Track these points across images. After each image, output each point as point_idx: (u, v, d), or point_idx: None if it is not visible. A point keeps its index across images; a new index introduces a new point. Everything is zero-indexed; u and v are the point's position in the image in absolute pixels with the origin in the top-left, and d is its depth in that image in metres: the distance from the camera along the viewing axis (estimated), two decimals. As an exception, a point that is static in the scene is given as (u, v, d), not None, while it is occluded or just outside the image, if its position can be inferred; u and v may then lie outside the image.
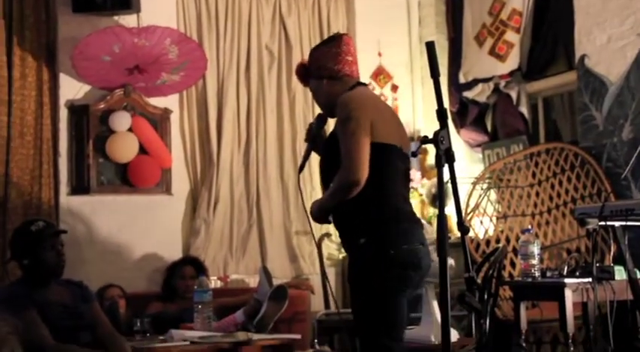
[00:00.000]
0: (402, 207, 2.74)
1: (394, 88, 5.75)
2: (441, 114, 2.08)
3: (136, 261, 4.83)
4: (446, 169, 2.06)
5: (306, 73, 2.93)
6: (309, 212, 2.83)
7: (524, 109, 5.12)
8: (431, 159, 5.58)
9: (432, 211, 5.40)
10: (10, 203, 4.56)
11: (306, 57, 5.59)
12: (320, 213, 2.80)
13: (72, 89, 4.80)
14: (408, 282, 2.67)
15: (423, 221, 5.27)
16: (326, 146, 2.85)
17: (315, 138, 2.94)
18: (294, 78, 3.18)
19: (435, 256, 2.89)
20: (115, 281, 4.32)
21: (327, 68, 2.83)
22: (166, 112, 5.01)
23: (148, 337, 3.52)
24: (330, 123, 2.91)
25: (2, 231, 4.50)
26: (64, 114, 4.79)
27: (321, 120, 2.95)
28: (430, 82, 2.12)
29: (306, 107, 5.45)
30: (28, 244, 3.07)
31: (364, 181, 2.60)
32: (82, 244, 4.64)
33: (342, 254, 5.23)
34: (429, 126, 5.66)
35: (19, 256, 3.11)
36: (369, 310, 2.68)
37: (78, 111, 4.78)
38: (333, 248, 5.30)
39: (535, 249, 3.50)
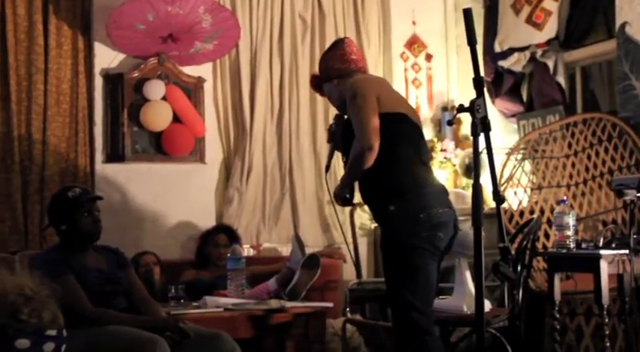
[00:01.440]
0: (422, 173, 2.86)
1: (428, 57, 5.68)
2: (478, 82, 2.08)
3: (170, 229, 4.89)
4: (481, 139, 2.05)
5: (319, 82, 3.13)
6: (332, 196, 2.99)
7: (561, 79, 5.02)
8: (465, 129, 5.52)
9: (465, 181, 5.36)
10: (47, 170, 4.63)
11: (339, 26, 5.57)
12: (343, 190, 2.93)
13: (107, 58, 4.83)
14: (437, 243, 2.80)
15: (460, 190, 5.26)
16: (342, 133, 2.98)
17: (335, 137, 3.08)
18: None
19: (466, 226, 2.90)
20: (150, 249, 4.37)
21: (335, 69, 3.03)
22: (200, 81, 5.02)
23: (182, 303, 3.58)
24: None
25: (40, 198, 4.59)
26: (99, 82, 4.82)
27: (339, 120, 3.09)
28: (465, 51, 2.12)
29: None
30: (65, 210, 3.12)
31: (377, 147, 2.72)
32: (118, 211, 4.70)
33: (374, 223, 5.23)
34: (463, 95, 5.59)
35: (56, 222, 3.16)
36: (402, 274, 2.78)
37: (113, 79, 4.82)
38: (366, 217, 5.30)
39: (570, 220, 3.47)
